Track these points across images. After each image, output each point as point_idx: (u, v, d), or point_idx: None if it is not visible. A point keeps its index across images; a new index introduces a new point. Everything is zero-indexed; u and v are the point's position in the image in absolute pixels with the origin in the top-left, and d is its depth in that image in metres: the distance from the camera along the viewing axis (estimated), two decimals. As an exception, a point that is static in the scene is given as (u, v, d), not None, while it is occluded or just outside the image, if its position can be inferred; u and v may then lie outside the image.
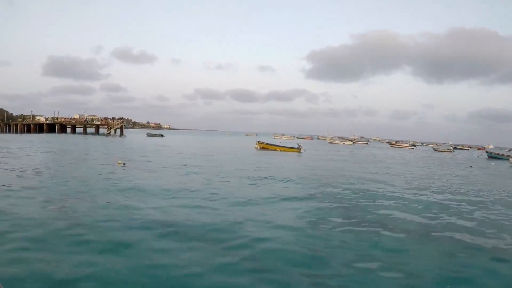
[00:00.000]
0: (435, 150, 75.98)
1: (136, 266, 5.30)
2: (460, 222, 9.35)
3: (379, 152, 53.15)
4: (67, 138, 51.43)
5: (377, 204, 11.29)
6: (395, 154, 51.96)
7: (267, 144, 42.97)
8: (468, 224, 9.14)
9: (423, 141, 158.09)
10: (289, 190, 13.29)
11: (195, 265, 5.47)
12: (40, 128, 78.06)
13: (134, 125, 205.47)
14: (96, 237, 6.49)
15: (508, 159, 42.35)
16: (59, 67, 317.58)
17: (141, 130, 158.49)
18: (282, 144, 45.68)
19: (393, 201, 11.88)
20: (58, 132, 75.53)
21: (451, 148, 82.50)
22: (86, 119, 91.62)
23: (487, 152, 58.97)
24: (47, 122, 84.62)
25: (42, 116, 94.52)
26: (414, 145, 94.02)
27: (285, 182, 15.37)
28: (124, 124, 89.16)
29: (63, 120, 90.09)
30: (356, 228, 8.12)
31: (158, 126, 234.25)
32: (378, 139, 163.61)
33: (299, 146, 41.42)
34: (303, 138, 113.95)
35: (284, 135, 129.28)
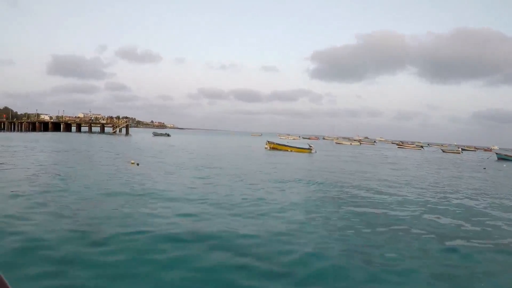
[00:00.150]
0: (444, 151, 75.07)
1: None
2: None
3: (389, 153, 52.27)
4: (73, 137, 50.83)
5: (424, 210, 10.54)
6: (405, 155, 51.10)
7: (278, 144, 42.20)
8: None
9: (426, 142, 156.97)
10: (319, 193, 12.53)
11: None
12: (45, 126, 77.58)
13: (138, 124, 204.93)
14: (132, 255, 5.75)
15: None
16: (63, 66, 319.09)
17: (146, 129, 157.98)
18: (292, 145, 44.86)
19: (441, 207, 11.33)
20: (63, 131, 75.07)
21: (460, 149, 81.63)
22: (91, 118, 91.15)
23: (496, 153, 58.17)
24: (52, 120, 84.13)
25: (46, 114, 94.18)
26: (422, 146, 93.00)
27: (312, 185, 14.61)
28: (129, 123, 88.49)
29: (67, 118, 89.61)
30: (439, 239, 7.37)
31: (162, 126, 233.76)
32: (383, 139, 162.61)
33: (310, 146, 40.63)
34: (309, 138, 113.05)
35: (289, 135, 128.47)
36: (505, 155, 54.92)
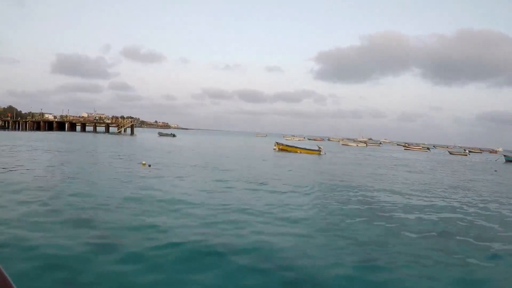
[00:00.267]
0: (451, 153, 74.21)
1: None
2: None
3: (397, 155, 51.48)
4: (78, 137, 50.31)
5: (457, 217, 9.87)
6: (413, 157, 50.30)
7: (287, 145, 41.60)
8: None
9: (430, 143, 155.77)
10: (348, 198, 11.85)
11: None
12: (50, 126, 77.05)
13: (142, 124, 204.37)
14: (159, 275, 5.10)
15: None
16: (67, 66, 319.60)
17: (150, 129, 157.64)
18: (301, 146, 44.17)
19: (471, 211, 10.69)
20: (68, 130, 74.65)
21: (467, 151, 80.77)
22: (95, 117, 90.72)
23: (504, 156, 57.46)
24: (57, 120, 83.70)
25: (50, 114, 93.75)
26: (428, 148, 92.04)
27: (337, 189, 13.92)
28: (134, 124, 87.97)
29: (72, 118, 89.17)
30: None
31: (166, 126, 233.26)
32: (387, 141, 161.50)
33: (319, 148, 39.99)
34: (314, 139, 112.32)
35: (294, 136, 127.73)
36: None
